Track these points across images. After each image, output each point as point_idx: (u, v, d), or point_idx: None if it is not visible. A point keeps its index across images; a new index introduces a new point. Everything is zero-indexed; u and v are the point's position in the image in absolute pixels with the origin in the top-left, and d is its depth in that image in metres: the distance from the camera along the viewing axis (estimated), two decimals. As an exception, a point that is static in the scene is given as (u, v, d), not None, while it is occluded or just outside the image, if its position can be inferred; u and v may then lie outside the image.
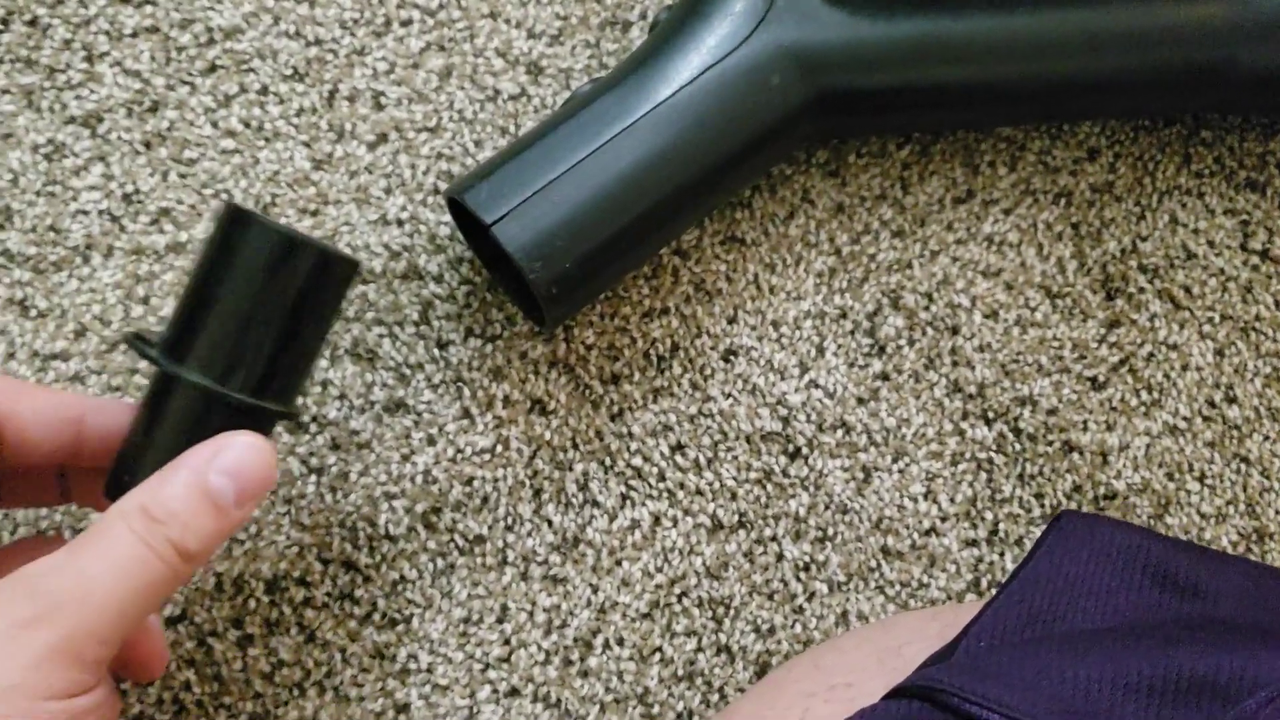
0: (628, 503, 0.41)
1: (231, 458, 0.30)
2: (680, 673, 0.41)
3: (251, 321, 0.31)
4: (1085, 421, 0.44)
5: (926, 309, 0.44)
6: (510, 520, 0.41)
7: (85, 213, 0.41)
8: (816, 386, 0.43)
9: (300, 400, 0.39)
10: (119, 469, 0.32)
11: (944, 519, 0.43)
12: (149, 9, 0.43)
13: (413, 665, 0.40)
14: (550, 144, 0.38)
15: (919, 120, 0.43)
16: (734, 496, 0.42)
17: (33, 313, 0.40)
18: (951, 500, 0.43)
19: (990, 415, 0.44)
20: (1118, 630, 0.29)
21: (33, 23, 0.42)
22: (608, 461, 0.42)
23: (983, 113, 0.43)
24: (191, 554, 0.29)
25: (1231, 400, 0.45)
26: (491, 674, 0.40)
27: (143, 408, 0.32)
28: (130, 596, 0.28)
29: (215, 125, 0.42)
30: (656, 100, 0.38)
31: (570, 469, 0.41)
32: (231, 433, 0.30)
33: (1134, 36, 0.41)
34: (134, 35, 0.42)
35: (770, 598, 0.42)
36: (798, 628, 0.41)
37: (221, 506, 0.30)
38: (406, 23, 0.44)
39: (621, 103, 0.38)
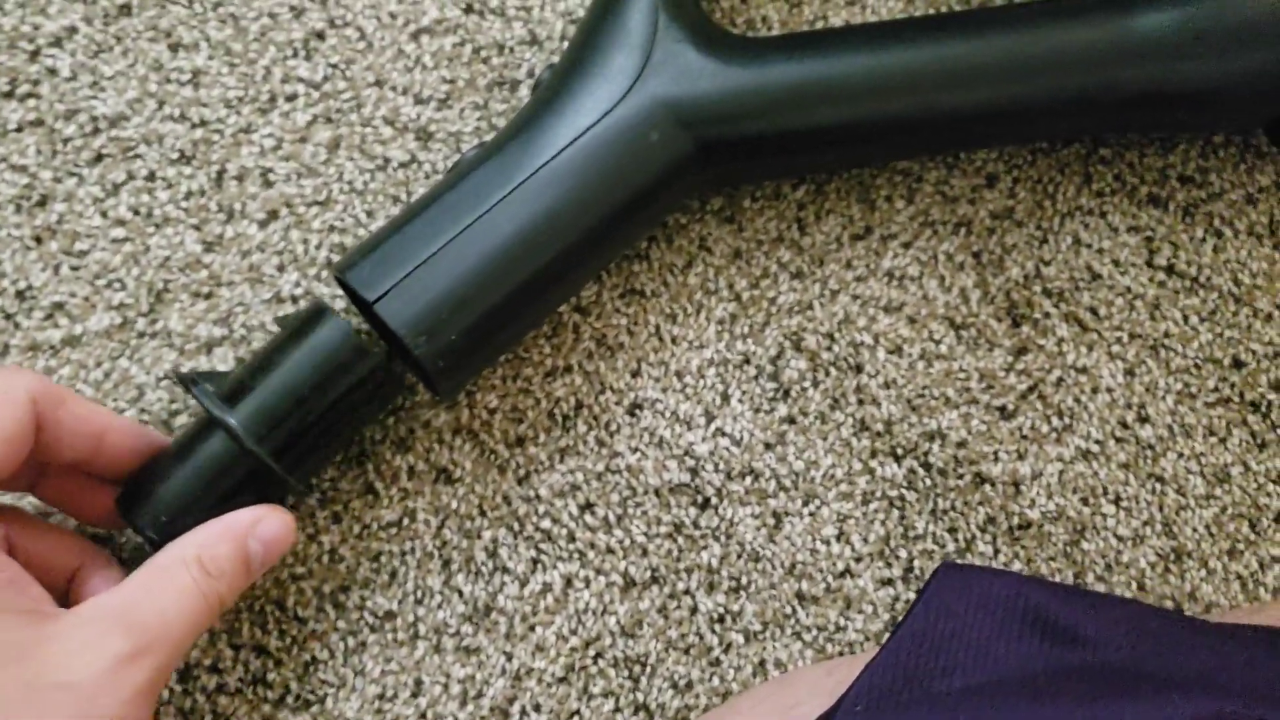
0: (538, 566, 0.41)
1: (268, 529, 0.35)
2: (598, 734, 0.41)
3: (301, 401, 0.36)
4: (996, 452, 0.44)
5: (829, 349, 0.44)
6: (420, 593, 0.41)
7: (-22, 312, 0.41)
8: (723, 434, 0.43)
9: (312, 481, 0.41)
10: (135, 488, 0.36)
11: (858, 559, 0.43)
12: (32, 102, 0.43)
13: (331, 744, 0.40)
14: (432, 216, 0.38)
15: (804, 163, 0.43)
16: (645, 552, 0.42)
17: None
18: (865, 540, 0.43)
19: (899, 452, 0.44)
20: (993, 685, 0.29)
21: (-84, 124, 0.42)
22: (516, 526, 0.42)
23: (865, 151, 0.43)
24: (226, 606, 0.34)
25: (1144, 420, 0.45)
26: (410, 747, 0.40)
27: (178, 442, 0.36)
28: (191, 638, 0.32)
29: (105, 215, 0.42)
30: (536, 165, 0.38)
31: (479, 536, 0.41)
32: (269, 506, 0.35)
33: (1014, 67, 0.41)
34: (19, 130, 0.42)
35: (686, 652, 0.41)
36: (715, 680, 0.41)
37: (253, 570, 0.35)
38: (291, 97, 0.44)
39: (502, 170, 0.38)
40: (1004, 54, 0.41)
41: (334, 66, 0.44)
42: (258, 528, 0.34)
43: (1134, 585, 0.43)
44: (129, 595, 0.31)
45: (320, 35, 0.44)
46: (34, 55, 0.43)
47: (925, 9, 0.47)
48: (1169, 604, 0.43)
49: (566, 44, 0.44)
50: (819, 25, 0.46)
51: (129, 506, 0.36)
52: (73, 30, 0.43)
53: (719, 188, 0.44)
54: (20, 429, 0.32)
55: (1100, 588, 0.43)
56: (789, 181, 0.45)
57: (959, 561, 0.42)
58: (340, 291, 0.42)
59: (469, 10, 0.45)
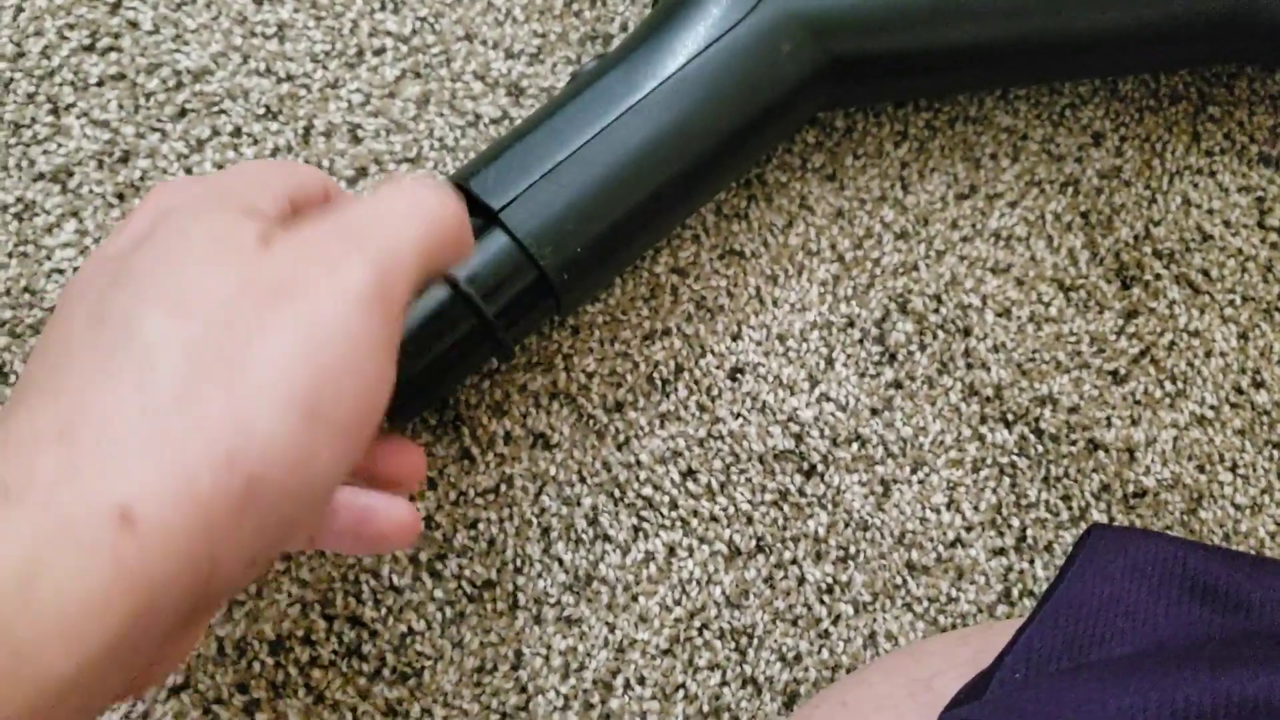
0: (640, 535, 0.40)
1: None
2: (706, 709, 0.39)
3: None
4: (1109, 418, 0.42)
5: (936, 311, 0.42)
6: (519, 562, 0.39)
7: (60, 271, 0.40)
8: (828, 400, 0.42)
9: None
10: None
11: (969, 529, 0.41)
12: (114, 55, 0.41)
13: None
14: (555, 125, 0.37)
15: (933, 83, 0.42)
16: (750, 520, 0.40)
17: (11, 378, 0.39)
18: (975, 509, 0.41)
19: (1010, 417, 0.42)
20: (1159, 653, 0.28)
21: (-6, 78, 0.41)
22: (617, 493, 0.40)
23: (997, 72, 0.41)
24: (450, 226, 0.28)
25: (1259, 385, 0.43)
26: (510, 722, 0.39)
27: None
28: (424, 239, 0.26)
29: (189, 171, 0.41)
30: (664, 75, 0.37)
31: (578, 504, 0.40)
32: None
33: None
34: (100, 84, 0.41)
35: (794, 624, 0.40)
36: (824, 653, 0.40)
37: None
38: (380, 51, 0.42)
39: (627, 80, 0.37)
40: None
41: (422, 20, 0.43)
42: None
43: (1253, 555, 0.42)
44: (344, 202, 0.28)
45: (408, -12, 0.43)
46: (115, 8, 0.41)
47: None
48: (1290, 575, 0.42)
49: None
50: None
51: None
52: (153, -18, 0.42)
53: (848, 105, 0.43)
54: (320, 191, 0.30)
55: (1219, 558, 0.42)
56: (892, 139, 0.43)
57: (1109, 524, 0.40)
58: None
59: (559, -37, 0.44)
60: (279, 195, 0.28)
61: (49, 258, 0.40)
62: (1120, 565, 0.30)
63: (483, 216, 0.37)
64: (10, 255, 0.39)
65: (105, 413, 0.22)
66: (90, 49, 0.41)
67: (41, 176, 0.40)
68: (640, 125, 0.36)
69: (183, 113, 0.41)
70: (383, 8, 0.43)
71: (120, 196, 0.40)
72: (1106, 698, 0.26)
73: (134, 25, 0.41)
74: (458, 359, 0.36)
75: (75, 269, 0.40)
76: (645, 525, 0.40)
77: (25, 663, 0.20)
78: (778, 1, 0.38)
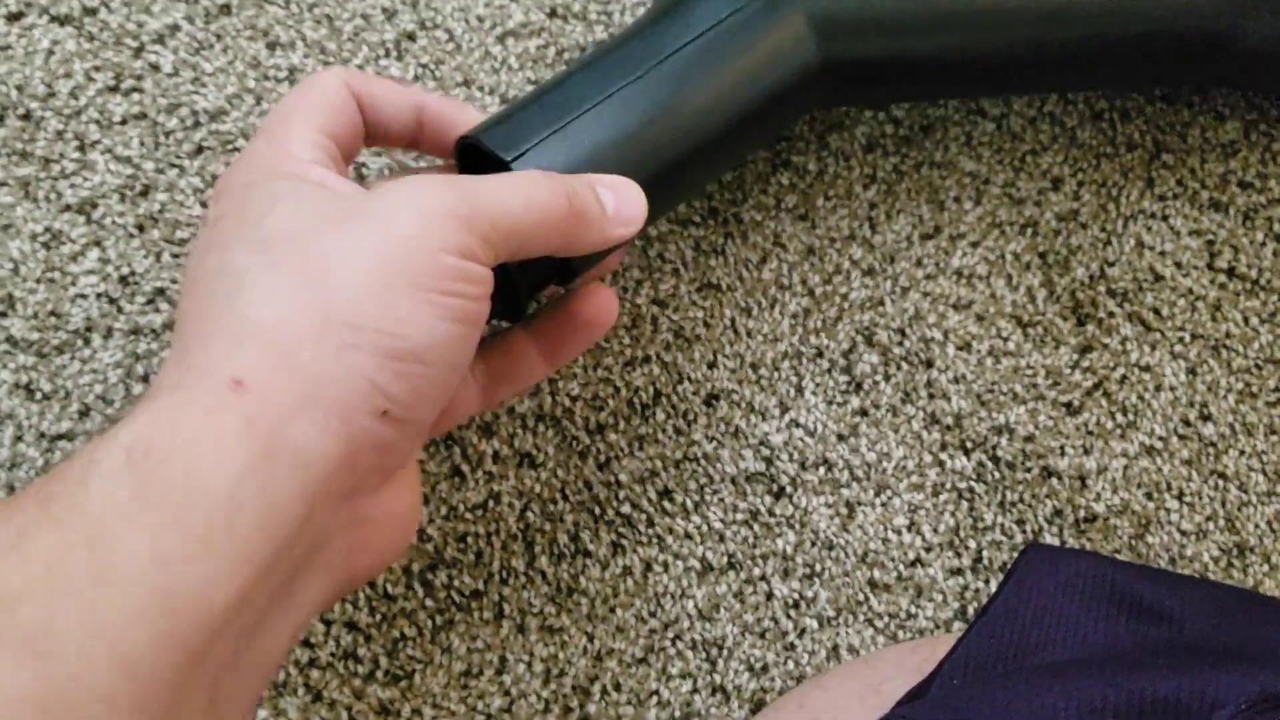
0: (619, 550, 0.43)
1: (613, 181, 0.35)
2: (678, 714, 0.42)
3: None
4: (1062, 446, 0.45)
5: (900, 344, 0.45)
6: (505, 574, 0.42)
7: (84, 296, 0.43)
8: (797, 425, 0.44)
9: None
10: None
11: (928, 549, 0.44)
12: (136, 96, 0.44)
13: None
14: (569, 87, 0.38)
15: (934, 86, 0.44)
16: (722, 538, 0.43)
17: (38, 395, 0.42)
18: (935, 530, 0.44)
19: (969, 445, 0.45)
20: (1086, 659, 0.30)
21: (26, 116, 0.44)
22: (597, 511, 0.43)
23: (993, 80, 0.43)
24: (582, 216, 0.33)
25: (1206, 418, 0.46)
26: (494, 724, 0.41)
27: None
28: (529, 204, 0.31)
29: (204, 205, 0.44)
30: (680, 44, 0.39)
31: (561, 520, 0.43)
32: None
33: (1147, 2, 0.41)
34: (123, 123, 0.44)
35: (762, 636, 0.43)
36: (790, 664, 0.42)
37: (601, 214, 0.34)
38: (383, 95, 0.45)
39: (643, 48, 0.39)
40: None
41: (424, 67, 0.46)
42: (599, 183, 0.35)
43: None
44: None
45: (411, 36, 0.46)
46: (138, 51, 0.45)
47: None
48: (1232, 598, 0.44)
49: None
50: None
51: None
52: (175, 28, 0.45)
53: (838, 104, 0.45)
54: (343, 98, 0.33)
55: (1165, 580, 0.44)
56: (861, 181, 0.46)
57: (1045, 543, 0.43)
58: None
59: (553, 14, 0.47)
60: (316, 140, 0.32)
61: (74, 283, 0.43)
62: (1053, 581, 0.32)
63: (496, 169, 0.37)
64: (39, 281, 0.42)
65: (209, 326, 0.28)
66: (115, 89, 0.44)
67: (68, 208, 0.43)
68: (653, 90, 0.38)
69: (199, 150, 0.44)
70: (387, 54, 0.46)
71: (140, 228, 0.43)
72: (1033, 696, 0.28)
73: (155, 68, 0.45)
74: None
75: (98, 294, 0.43)
76: (624, 541, 0.43)
77: (185, 482, 0.24)
78: None
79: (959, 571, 0.44)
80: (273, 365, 0.26)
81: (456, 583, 0.42)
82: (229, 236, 0.29)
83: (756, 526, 0.43)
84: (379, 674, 0.41)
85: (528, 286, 0.38)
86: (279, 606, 0.27)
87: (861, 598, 0.43)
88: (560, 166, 0.36)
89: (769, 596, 0.43)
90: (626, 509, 0.43)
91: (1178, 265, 0.47)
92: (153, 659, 0.23)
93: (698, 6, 0.39)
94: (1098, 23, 0.42)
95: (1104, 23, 0.42)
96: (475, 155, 0.38)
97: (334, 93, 0.33)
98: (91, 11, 0.45)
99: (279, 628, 0.27)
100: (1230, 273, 0.47)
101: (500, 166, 0.36)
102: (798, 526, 0.43)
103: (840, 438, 0.44)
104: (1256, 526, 0.45)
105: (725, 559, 0.43)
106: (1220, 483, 0.45)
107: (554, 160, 0.36)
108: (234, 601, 0.24)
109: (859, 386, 0.45)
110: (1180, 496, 0.45)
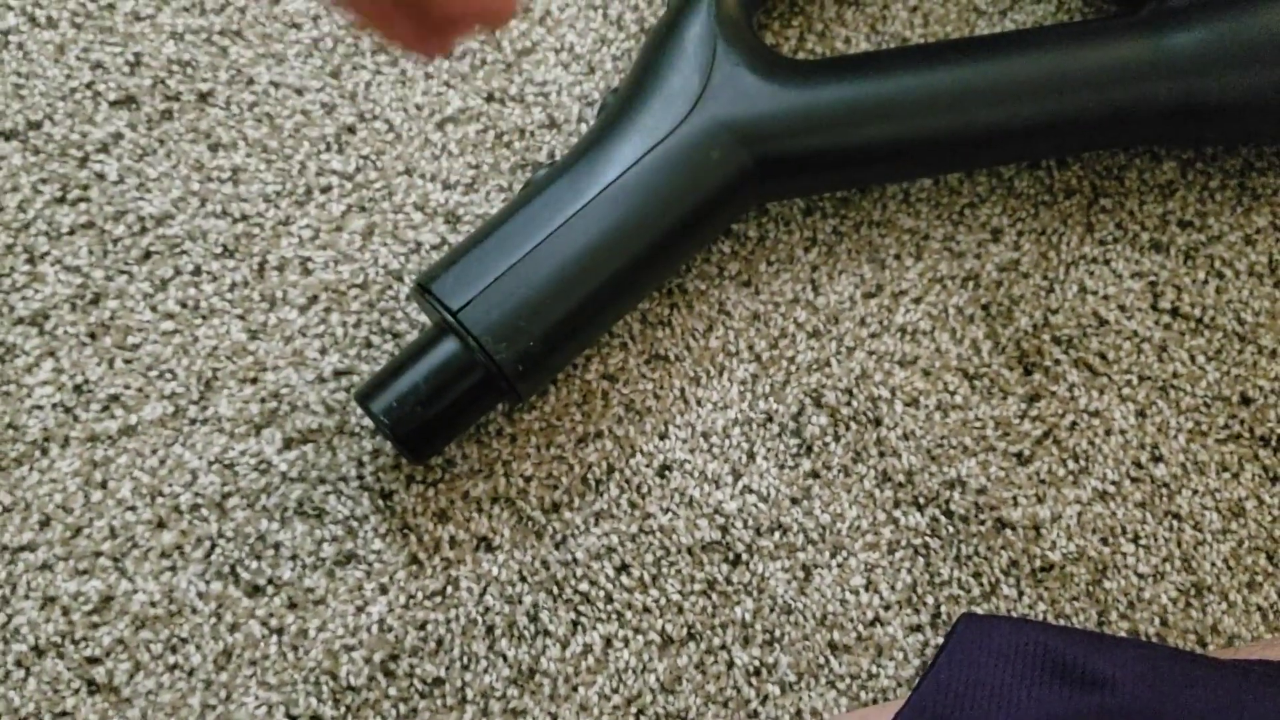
0: (578, 628, 0.43)
1: None
2: (644, 789, 0.42)
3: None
4: (1015, 497, 0.45)
5: (848, 404, 0.46)
6: (466, 659, 0.42)
7: (40, 407, 0.43)
8: (750, 492, 0.45)
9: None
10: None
11: (886, 608, 0.44)
12: (83, 205, 0.45)
13: (387, 808, 0.41)
14: (507, 232, 0.41)
15: (855, 177, 0.45)
16: (680, 610, 0.44)
17: (-2, 508, 0.43)
18: (892, 588, 0.44)
19: (921, 501, 0.45)
20: (1021, 732, 0.31)
21: (-24, 232, 0.45)
22: (555, 590, 0.43)
23: (914, 165, 0.45)
24: None
25: (1157, 459, 0.46)
26: (463, 809, 0.42)
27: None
28: None
29: (154, 309, 0.45)
30: (605, 182, 0.41)
31: (520, 601, 0.43)
32: None
33: (1055, 83, 0.43)
34: (71, 233, 0.45)
35: (725, 705, 0.43)
36: (754, 732, 0.43)
37: None
38: (326, 189, 0.46)
39: (573, 187, 0.41)
40: (1046, 72, 0.43)
41: (365, 158, 0.47)
42: None
43: (1157, 621, 0.45)
44: None
45: (351, 129, 0.47)
46: (83, 161, 0.46)
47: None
48: (1192, 638, 0.45)
49: (626, 68, 0.47)
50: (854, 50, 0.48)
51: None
52: (118, 136, 0.46)
53: (774, 200, 0.47)
54: None
55: (1124, 625, 0.45)
56: (802, 244, 0.47)
57: (979, 612, 0.43)
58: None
59: (490, 99, 0.48)
60: None
61: (29, 395, 0.43)
62: (985, 650, 0.33)
63: (438, 311, 0.41)
64: (-7, 395, 0.43)
65: None
66: (62, 200, 0.45)
67: (20, 321, 0.44)
68: (585, 229, 0.40)
69: (147, 255, 0.45)
70: (328, 148, 0.47)
71: (92, 335, 0.44)
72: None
73: (101, 176, 0.45)
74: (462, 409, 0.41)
75: (54, 404, 0.43)
76: (583, 619, 0.43)
77: None
78: (706, 112, 0.42)
79: (918, 628, 0.44)
80: None
81: (418, 671, 0.42)
82: None
83: (714, 595, 0.44)
84: (346, 766, 0.41)
85: None
86: None
87: (822, 660, 0.44)
88: (506, 310, 0.40)
89: (730, 665, 0.43)
90: (585, 586, 0.43)
91: (1121, 308, 0.47)
92: None
93: (627, 138, 0.42)
94: (1013, 104, 0.43)
95: (1019, 103, 0.43)
96: (427, 296, 0.41)
97: None
98: (36, 125, 0.46)
99: None
100: (1174, 312, 0.47)
101: (447, 312, 0.40)
102: (755, 593, 0.44)
103: (794, 501, 0.45)
104: (1213, 565, 0.45)
105: (685, 630, 0.43)
106: (1175, 523, 0.46)
107: (500, 305, 0.40)
108: None
109: (809, 449, 0.45)
110: (1135, 540, 0.45)
